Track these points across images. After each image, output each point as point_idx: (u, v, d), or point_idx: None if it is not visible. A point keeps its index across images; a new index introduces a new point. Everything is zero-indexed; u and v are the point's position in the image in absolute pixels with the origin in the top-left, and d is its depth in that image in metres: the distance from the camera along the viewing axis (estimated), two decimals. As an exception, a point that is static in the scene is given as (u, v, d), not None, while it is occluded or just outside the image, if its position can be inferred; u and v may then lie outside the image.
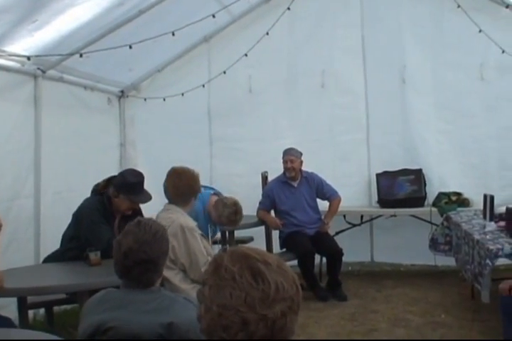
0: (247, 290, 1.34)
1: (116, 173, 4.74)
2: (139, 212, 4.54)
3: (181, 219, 3.96)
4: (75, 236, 4.35)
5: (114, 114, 6.79)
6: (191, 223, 4.02)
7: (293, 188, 6.35)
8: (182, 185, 4.06)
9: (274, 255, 1.50)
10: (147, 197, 4.45)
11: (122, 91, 6.87)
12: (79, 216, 4.38)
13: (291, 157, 6.28)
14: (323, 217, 6.41)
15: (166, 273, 3.52)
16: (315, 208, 6.43)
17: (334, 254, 6.12)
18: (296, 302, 1.40)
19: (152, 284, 2.44)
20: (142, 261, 2.38)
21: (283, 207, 6.35)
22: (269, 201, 6.39)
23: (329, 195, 6.41)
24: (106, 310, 2.36)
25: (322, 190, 6.39)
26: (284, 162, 6.30)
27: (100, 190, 4.45)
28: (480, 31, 6.38)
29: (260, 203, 6.43)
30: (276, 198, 6.35)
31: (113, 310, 2.35)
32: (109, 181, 4.47)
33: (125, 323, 2.30)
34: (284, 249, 6.30)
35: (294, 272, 1.47)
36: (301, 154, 6.33)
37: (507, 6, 6.44)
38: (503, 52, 6.43)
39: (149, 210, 4.45)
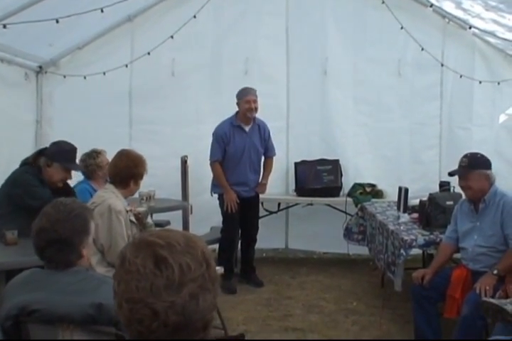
0: (152, 280, 1.31)
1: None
2: (69, 188, 4.49)
3: (112, 199, 3.90)
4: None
5: (31, 89, 6.51)
6: (121, 206, 3.94)
7: (245, 133, 5.96)
8: (121, 165, 4.03)
9: (185, 233, 1.43)
10: (79, 166, 4.50)
11: (41, 67, 6.59)
12: (14, 182, 4.28)
13: (253, 97, 5.90)
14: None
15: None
16: (260, 161, 6.17)
17: (248, 239, 6.20)
18: (208, 279, 1.36)
19: (71, 265, 2.37)
20: (53, 240, 2.32)
21: (230, 152, 5.94)
22: (222, 147, 5.92)
23: (269, 151, 6.21)
24: (30, 290, 2.30)
25: (267, 143, 6.15)
26: (246, 102, 5.86)
27: (31, 163, 4.35)
28: (402, 28, 6.56)
29: (212, 153, 6.00)
30: (226, 142, 5.91)
31: (37, 291, 2.29)
32: (40, 153, 4.40)
33: (50, 305, 2.25)
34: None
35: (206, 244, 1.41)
36: None
37: (431, 5, 6.65)
38: (423, 49, 6.67)
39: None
